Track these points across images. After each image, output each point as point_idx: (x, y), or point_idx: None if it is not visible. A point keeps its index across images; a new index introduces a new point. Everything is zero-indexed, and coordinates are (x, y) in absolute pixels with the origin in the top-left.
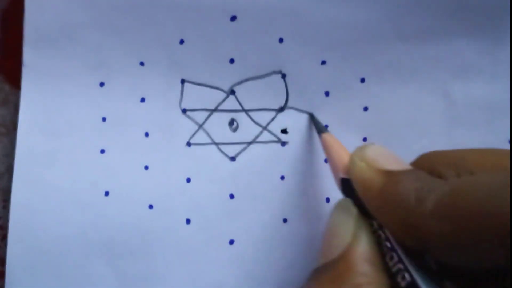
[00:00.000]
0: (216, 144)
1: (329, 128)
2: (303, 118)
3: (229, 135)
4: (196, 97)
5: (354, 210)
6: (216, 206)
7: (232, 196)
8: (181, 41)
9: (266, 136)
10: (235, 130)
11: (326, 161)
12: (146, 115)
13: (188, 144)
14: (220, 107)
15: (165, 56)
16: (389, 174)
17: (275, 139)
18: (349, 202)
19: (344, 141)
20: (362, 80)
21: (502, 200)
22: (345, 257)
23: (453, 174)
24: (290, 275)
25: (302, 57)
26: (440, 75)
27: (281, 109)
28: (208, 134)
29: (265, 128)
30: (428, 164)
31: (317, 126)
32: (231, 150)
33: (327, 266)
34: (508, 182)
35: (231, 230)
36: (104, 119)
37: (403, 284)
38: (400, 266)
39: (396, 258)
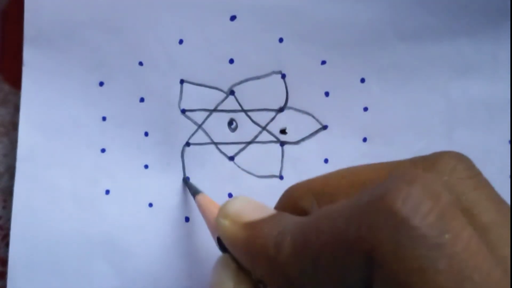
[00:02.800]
0: (215, 144)
1: (329, 128)
2: (303, 119)
3: (228, 135)
4: (196, 97)
5: (232, 265)
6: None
7: (231, 196)
8: (181, 41)
9: (265, 136)
10: (234, 130)
11: (326, 161)
12: (146, 114)
13: (188, 144)
14: (220, 107)
15: (164, 56)
16: (250, 226)
17: (274, 139)
18: (227, 258)
19: (344, 142)
20: (362, 80)
21: (339, 232)
22: None
23: (315, 206)
24: None
25: (302, 57)
26: (440, 75)
27: (281, 109)
28: (207, 134)
29: (264, 128)
30: (291, 201)
31: (191, 190)
32: (230, 150)
33: None
34: (347, 211)
35: None
36: (104, 119)
37: None
38: None
39: None
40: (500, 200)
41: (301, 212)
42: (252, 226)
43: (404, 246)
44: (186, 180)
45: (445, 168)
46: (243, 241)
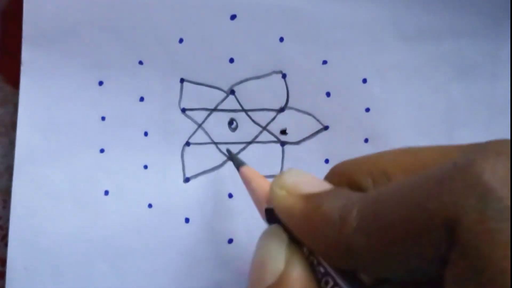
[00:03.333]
0: (215, 143)
1: (330, 129)
2: (304, 119)
3: (228, 135)
4: (196, 96)
5: (284, 236)
6: (215, 206)
7: (231, 195)
8: (181, 40)
9: (265, 136)
10: (234, 130)
11: (326, 161)
12: (146, 114)
13: (188, 143)
14: (220, 107)
15: (164, 55)
16: (309, 198)
17: (274, 139)
18: (278, 229)
19: (345, 142)
20: (364, 81)
21: (418, 203)
22: (280, 284)
23: (371, 182)
24: None
25: (303, 56)
26: (441, 75)
27: (281, 109)
28: (207, 133)
29: (264, 128)
30: (345, 177)
31: (235, 161)
32: (231, 150)
33: None
34: (424, 181)
35: (230, 229)
36: (103, 118)
37: None
38: None
39: (331, 283)
40: None
41: (356, 189)
42: (312, 197)
43: (490, 217)
44: (229, 151)
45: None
46: (303, 212)
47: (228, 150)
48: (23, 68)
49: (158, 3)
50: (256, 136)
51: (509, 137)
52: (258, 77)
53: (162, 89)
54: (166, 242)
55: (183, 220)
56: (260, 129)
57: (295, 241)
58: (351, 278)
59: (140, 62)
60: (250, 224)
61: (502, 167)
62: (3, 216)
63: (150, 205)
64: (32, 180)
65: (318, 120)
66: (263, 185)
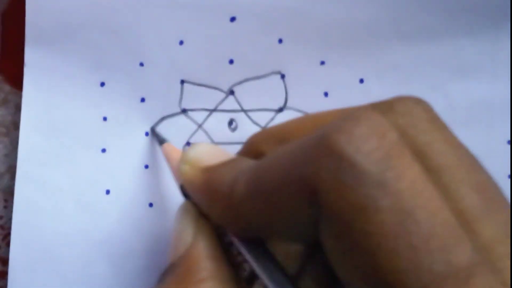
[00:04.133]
0: (215, 144)
1: None
2: None
3: (228, 135)
4: (196, 97)
5: (193, 211)
6: None
7: None
8: (181, 42)
9: None
10: (234, 130)
11: None
12: (146, 115)
13: (188, 143)
14: (220, 107)
15: (164, 57)
16: (208, 170)
17: None
18: (188, 204)
19: None
20: (362, 81)
21: (288, 171)
22: (187, 256)
23: (270, 149)
24: None
25: (302, 57)
26: (440, 76)
27: (280, 110)
28: (207, 134)
29: (264, 128)
30: (253, 147)
31: (157, 138)
32: (230, 150)
33: (171, 267)
34: (295, 149)
35: None
36: (105, 119)
37: (244, 275)
38: (240, 258)
39: (235, 252)
40: (458, 144)
41: (263, 157)
42: (210, 170)
43: (347, 184)
44: (152, 130)
45: (402, 110)
46: (201, 184)
47: (151, 128)
48: (26, 69)
49: (159, 5)
50: None
51: (509, 138)
52: (257, 78)
53: (163, 90)
54: (167, 242)
55: None
56: (259, 129)
57: (204, 215)
58: (256, 247)
59: (141, 64)
60: None
61: (358, 133)
62: (5, 216)
63: (151, 205)
64: (34, 180)
65: None
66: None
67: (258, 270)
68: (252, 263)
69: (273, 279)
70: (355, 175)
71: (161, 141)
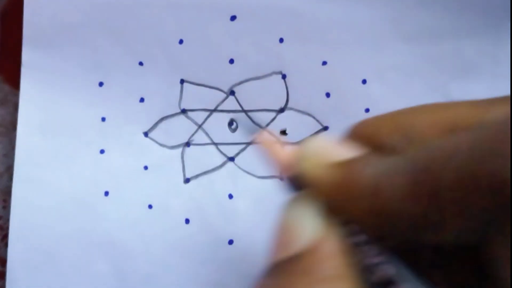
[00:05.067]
0: (215, 144)
1: (330, 129)
2: (304, 119)
3: (228, 136)
4: (196, 97)
5: (315, 204)
6: (215, 206)
7: (231, 196)
8: (181, 41)
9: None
10: (234, 130)
11: None
12: (146, 115)
13: (188, 144)
14: (220, 108)
15: (164, 56)
16: (341, 166)
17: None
18: (308, 196)
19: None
20: (364, 81)
21: (468, 166)
22: (314, 250)
23: (399, 141)
24: None
25: (303, 57)
26: (441, 76)
27: (282, 110)
28: (207, 134)
29: (264, 129)
30: (366, 138)
31: (246, 128)
32: (230, 151)
33: (292, 260)
34: (474, 142)
35: (230, 230)
36: (103, 119)
37: (374, 278)
38: (371, 260)
39: (365, 252)
40: None
41: (378, 150)
42: (346, 165)
43: None
44: (234, 120)
45: None
46: (336, 180)
47: (232, 120)
48: (23, 69)
49: (158, 4)
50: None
51: None
52: (258, 78)
53: (162, 90)
54: (166, 243)
55: (183, 221)
56: (260, 129)
57: (326, 210)
58: (386, 248)
59: (140, 63)
60: (250, 225)
61: None
62: (4, 216)
63: (150, 206)
64: (32, 181)
65: (318, 121)
66: (282, 152)
67: (395, 275)
68: (387, 266)
69: (410, 285)
70: None
71: (251, 130)
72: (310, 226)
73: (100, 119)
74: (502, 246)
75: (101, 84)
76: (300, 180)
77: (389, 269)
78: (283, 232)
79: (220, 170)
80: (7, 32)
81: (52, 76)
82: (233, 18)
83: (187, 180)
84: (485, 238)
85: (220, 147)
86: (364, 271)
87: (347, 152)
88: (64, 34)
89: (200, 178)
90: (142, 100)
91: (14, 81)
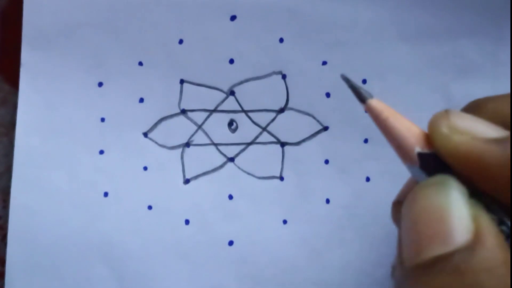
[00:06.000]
0: (215, 144)
1: (330, 130)
2: (304, 119)
3: (228, 136)
4: (196, 97)
5: (462, 188)
6: (215, 207)
7: (231, 197)
8: (180, 41)
9: (265, 137)
10: (234, 131)
11: (326, 162)
12: (145, 115)
13: (187, 144)
14: (220, 108)
15: (164, 56)
16: (504, 143)
17: (274, 140)
18: (451, 179)
19: (345, 143)
20: (364, 81)
21: None
22: (477, 245)
23: None
24: (290, 277)
25: (303, 57)
26: (441, 76)
27: (282, 110)
28: (207, 134)
29: (264, 129)
30: (500, 117)
31: (358, 93)
32: (230, 151)
33: (459, 255)
34: None
35: (230, 231)
36: (102, 120)
37: None
38: None
39: None
40: None
41: None
42: (506, 142)
43: None
44: (347, 79)
45: None
46: (498, 159)
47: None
48: (22, 69)
49: (158, 4)
50: (256, 137)
51: None
52: (258, 78)
53: (162, 90)
54: (166, 244)
55: (183, 222)
56: (260, 130)
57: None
58: None
59: (140, 63)
60: (251, 226)
61: None
62: (4, 216)
63: (150, 207)
64: (31, 181)
65: (318, 121)
66: (408, 124)
67: None
68: None
69: None
70: None
71: (365, 96)
72: (466, 214)
73: (100, 119)
74: None
75: (100, 84)
76: (437, 159)
77: None
78: (431, 222)
79: (220, 170)
80: (7, 32)
81: (51, 76)
82: (233, 18)
83: (187, 181)
84: None
85: (220, 147)
86: None
87: (490, 129)
88: (63, 34)
89: (200, 179)
90: (141, 100)
91: (14, 81)
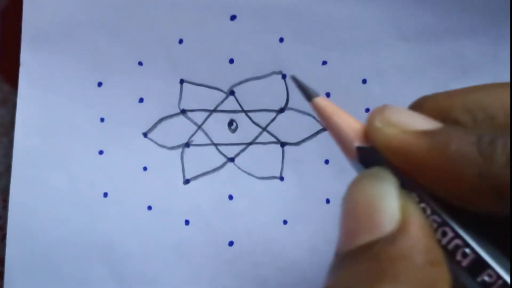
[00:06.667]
0: (215, 145)
1: None
2: (304, 119)
3: (228, 136)
4: (195, 97)
5: (393, 179)
6: (215, 207)
7: (231, 197)
8: (180, 41)
9: (265, 137)
10: (234, 131)
11: (326, 162)
12: (145, 115)
13: (187, 144)
14: (220, 108)
15: (164, 56)
16: (433, 135)
17: (274, 140)
18: (384, 171)
19: None
20: (364, 81)
21: None
22: (401, 234)
23: (470, 121)
24: (290, 277)
25: (303, 57)
26: (442, 76)
27: (282, 110)
28: (207, 134)
29: (264, 129)
30: (439, 112)
31: (305, 92)
32: (230, 151)
33: (383, 243)
34: None
35: (230, 232)
36: (102, 120)
37: (465, 262)
38: (458, 242)
39: (451, 233)
40: None
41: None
42: (438, 135)
43: None
44: (295, 78)
45: None
46: (428, 151)
47: (293, 77)
48: (21, 69)
49: (157, 3)
50: (256, 137)
51: None
52: (258, 78)
53: (162, 90)
54: (166, 244)
55: (183, 222)
56: (260, 130)
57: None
58: (474, 229)
59: (140, 63)
60: (251, 226)
61: None
62: (3, 216)
63: (149, 207)
64: (30, 182)
65: (318, 121)
66: (350, 121)
67: (487, 257)
68: (478, 248)
69: (507, 268)
70: None
71: (311, 95)
72: (395, 204)
73: (99, 119)
74: None
75: (100, 84)
76: (374, 152)
77: (477, 251)
78: (362, 212)
79: (220, 170)
80: (7, 32)
81: (50, 76)
82: (233, 18)
83: (186, 181)
84: None
85: (220, 147)
86: (451, 255)
87: (430, 122)
88: (63, 34)
89: (200, 179)
90: (141, 100)
91: (14, 81)
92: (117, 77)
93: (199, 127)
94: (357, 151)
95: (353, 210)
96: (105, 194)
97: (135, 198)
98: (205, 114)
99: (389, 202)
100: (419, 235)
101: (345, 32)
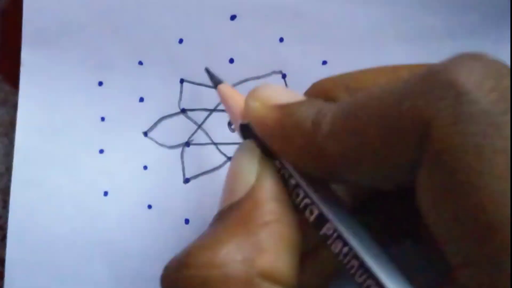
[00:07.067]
0: (215, 144)
1: None
2: None
3: (228, 135)
4: (195, 96)
5: (256, 150)
6: (216, 207)
7: None
8: (180, 41)
9: None
10: (234, 130)
11: None
12: (145, 114)
13: (187, 144)
14: (220, 107)
15: (164, 56)
16: (283, 108)
17: None
18: (251, 143)
19: None
20: None
21: (391, 105)
22: (251, 197)
23: (348, 97)
24: None
25: (303, 57)
26: None
27: None
28: (207, 134)
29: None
30: (322, 93)
31: (212, 79)
32: (231, 151)
33: (232, 207)
34: (399, 86)
35: None
36: (103, 119)
37: (311, 218)
38: (307, 201)
39: (302, 194)
40: None
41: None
42: (286, 107)
43: (464, 119)
44: (207, 69)
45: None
46: (276, 121)
47: (206, 68)
48: (22, 69)
49: (158, 3)
50: None
51: None
52: (258, 77)
53: (162, 90)
54: (166, 244)
55: (183, 221)
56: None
57: (268, 155)
58: (322, 190)
59: (140, 63)
60: None
61: (478, 71)
62: (4, 216)
63: (149, 206)
64: (31, 181)
65: None
66: (239, 102)
67: (329, 214)
68: (321, 206)
69: (343, 222)
70: (474, 112)
71: (216, 81)
72: (250, 173)
73: (100, 118)
74: (425, 189)
75: (100, 83)
76: (248, 127)
77: (321, 209)
78: (229, 179)
79: (220, 170)
80: (7, 31)
81: (51, 75)
82: (233, 17)
83: (186, 180)
84: (408, 184)
85: (220, 147)
86: (302, 213)
87: (295, 97)
88: (63, 34)
89: (200, 178)
90: (141, 99)
91: (14, 81)
92: (117, 77)
93: (199, 126)
94: (240, 128)
95: (226, 178)
96: (106, 193)
97: (135, 197)
98: (205, 113)
99: (247, 170)
100: (263, 198)
101: (345, 33)
